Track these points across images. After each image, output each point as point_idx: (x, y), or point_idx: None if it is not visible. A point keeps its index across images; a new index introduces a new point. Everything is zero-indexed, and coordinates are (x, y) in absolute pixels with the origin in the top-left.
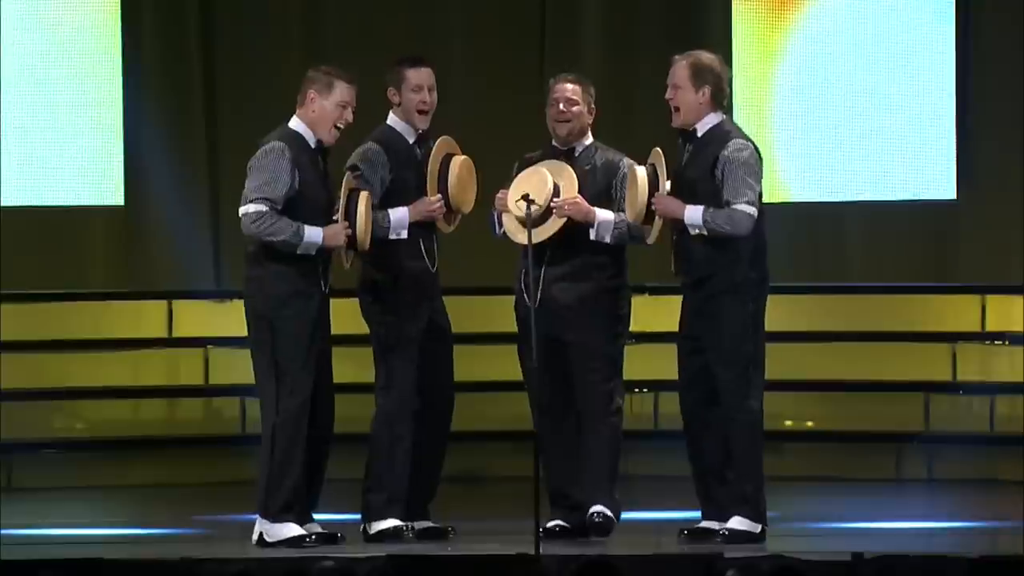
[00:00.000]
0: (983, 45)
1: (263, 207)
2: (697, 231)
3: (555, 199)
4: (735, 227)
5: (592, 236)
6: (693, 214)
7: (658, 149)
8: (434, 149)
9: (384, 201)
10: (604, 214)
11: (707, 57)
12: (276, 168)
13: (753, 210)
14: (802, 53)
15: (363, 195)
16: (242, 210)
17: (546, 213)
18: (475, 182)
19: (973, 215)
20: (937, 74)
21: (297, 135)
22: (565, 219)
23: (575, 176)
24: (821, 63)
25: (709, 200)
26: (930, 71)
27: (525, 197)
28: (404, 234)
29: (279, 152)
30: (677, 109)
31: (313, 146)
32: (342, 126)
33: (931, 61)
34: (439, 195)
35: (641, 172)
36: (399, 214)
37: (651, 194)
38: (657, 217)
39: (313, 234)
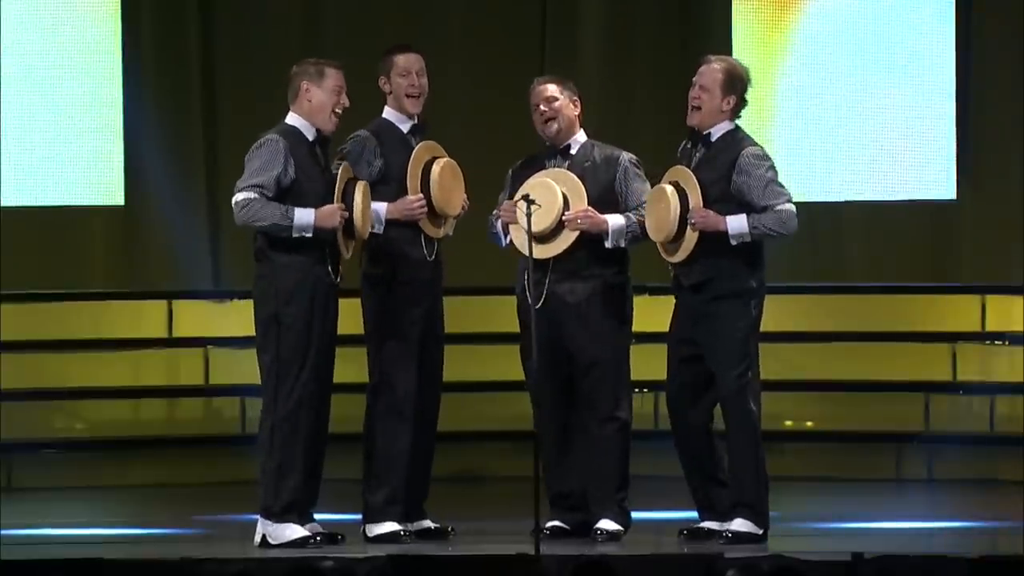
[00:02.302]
0: (983, 45)
1: (251, 194)
2: (736, 241)
3: (566, 212)
4: (786, 227)
5: (608, 245)
6: (738, 223)
7: (683, 168)
8: (414, 153)
9: (374, 188)
10: (615, 220)
11: (741, 67)
12: (268, 156)
13: (794, 208)
14: (802, 53)
15: (360, 183)
16: (233, 200)
17: (558, 227)
18: (461, 185)
19: (973, 215)
20: (937, 74)
21: (294, 129)
22: (578, 233)
23: (581, 185)
24: (821, 63)
25: (721, 202)
26: (930, 72)
27: (525, 197)
28: (380, 229)
29: (273, 142)
30: (698, 108)
31: (311, 139)
32: (340, 111)
33: (931, 61)
34: (420, 195)
35: (670, 190)
36: (376, 208)
37: (684, 211)
38: (688, 234)
39: (304, 215)
